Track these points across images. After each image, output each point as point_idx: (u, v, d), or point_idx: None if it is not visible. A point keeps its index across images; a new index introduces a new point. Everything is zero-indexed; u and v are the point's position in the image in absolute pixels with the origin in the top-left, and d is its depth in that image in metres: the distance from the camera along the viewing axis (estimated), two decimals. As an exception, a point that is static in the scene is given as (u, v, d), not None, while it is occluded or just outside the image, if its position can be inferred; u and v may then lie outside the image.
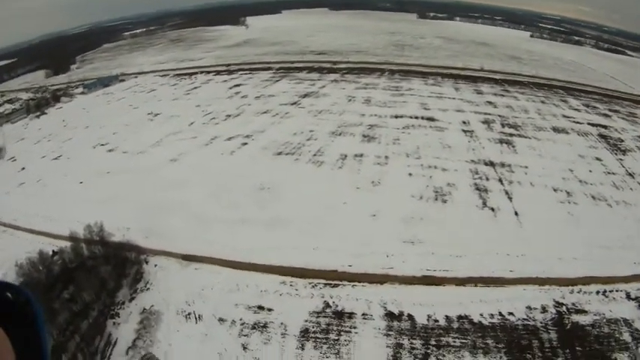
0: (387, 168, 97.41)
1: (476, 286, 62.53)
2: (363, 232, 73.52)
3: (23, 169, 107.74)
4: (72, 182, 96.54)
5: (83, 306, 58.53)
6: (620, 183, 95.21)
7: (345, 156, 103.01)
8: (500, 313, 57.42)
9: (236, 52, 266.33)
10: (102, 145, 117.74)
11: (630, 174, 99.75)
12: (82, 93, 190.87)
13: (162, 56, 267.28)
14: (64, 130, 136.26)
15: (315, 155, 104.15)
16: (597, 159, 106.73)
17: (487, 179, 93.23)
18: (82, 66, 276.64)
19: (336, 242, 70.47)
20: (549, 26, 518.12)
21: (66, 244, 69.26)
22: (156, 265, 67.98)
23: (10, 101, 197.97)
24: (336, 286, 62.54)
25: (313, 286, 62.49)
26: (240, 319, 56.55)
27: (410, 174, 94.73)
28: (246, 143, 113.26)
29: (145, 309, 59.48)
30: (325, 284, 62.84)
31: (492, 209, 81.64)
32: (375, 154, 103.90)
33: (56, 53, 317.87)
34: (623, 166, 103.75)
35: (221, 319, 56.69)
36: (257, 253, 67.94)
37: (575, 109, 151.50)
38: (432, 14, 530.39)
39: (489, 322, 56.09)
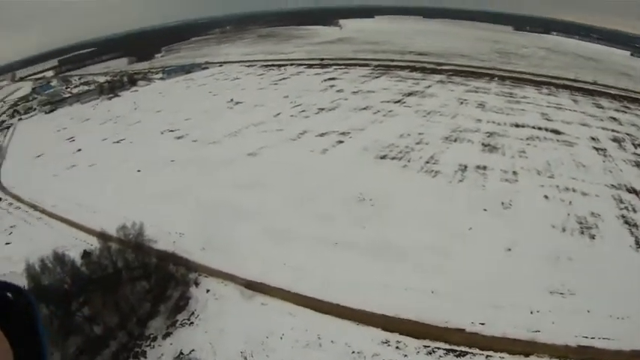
0: (516, 186, 76.44)
1: (644, 366, 41.78)
2: (498, 274, 52.21)
3: (79, 150, 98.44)
4: (129, 170, 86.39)
5: (103, 331, 43.27)
6: None
7: (465, 167, 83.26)
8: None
9: (330, 48, 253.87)
10: (171, 131, 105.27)
11: None
12: (162, 78, 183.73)
13: (251, 48, 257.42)
14: (133, 112, 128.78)
15: (427, 163, 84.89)
16: None
17: (634, 211, 70.38)
18: (167, 55, 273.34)
19: (463, 285, 49.58)
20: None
21: (101, 245, 55.46)
22: (208, 291, 51.13)
23: (86, 83, 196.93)
24: (463, 354, 41.85)
25: (430, 352, 42.06)
26: (321, 396, 37.98)
27: (546, 196, 73.26)
28: (342, 141, 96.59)
29: (182, 354, 42.37)
30: (447, 350, 42.17)
31: (649, 252, 59.58)
32: (500, 168, 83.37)
33: (142, 43, 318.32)
34: None
35: (291, 392, 37.89)
36: (351, 291, 48.28)
37: None
38: (527, 27, 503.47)
39: None
